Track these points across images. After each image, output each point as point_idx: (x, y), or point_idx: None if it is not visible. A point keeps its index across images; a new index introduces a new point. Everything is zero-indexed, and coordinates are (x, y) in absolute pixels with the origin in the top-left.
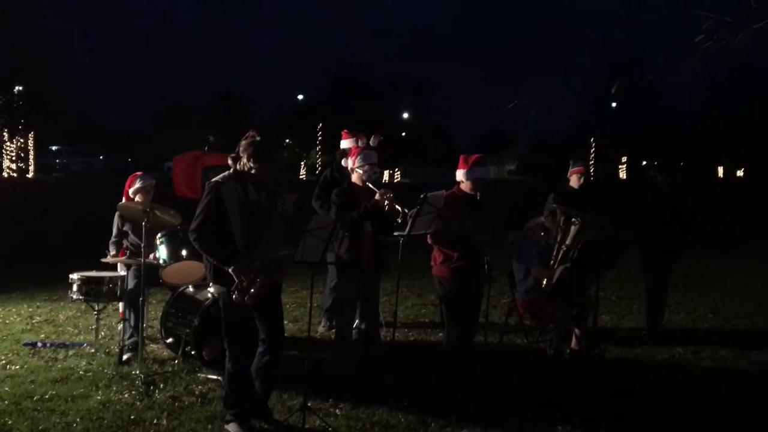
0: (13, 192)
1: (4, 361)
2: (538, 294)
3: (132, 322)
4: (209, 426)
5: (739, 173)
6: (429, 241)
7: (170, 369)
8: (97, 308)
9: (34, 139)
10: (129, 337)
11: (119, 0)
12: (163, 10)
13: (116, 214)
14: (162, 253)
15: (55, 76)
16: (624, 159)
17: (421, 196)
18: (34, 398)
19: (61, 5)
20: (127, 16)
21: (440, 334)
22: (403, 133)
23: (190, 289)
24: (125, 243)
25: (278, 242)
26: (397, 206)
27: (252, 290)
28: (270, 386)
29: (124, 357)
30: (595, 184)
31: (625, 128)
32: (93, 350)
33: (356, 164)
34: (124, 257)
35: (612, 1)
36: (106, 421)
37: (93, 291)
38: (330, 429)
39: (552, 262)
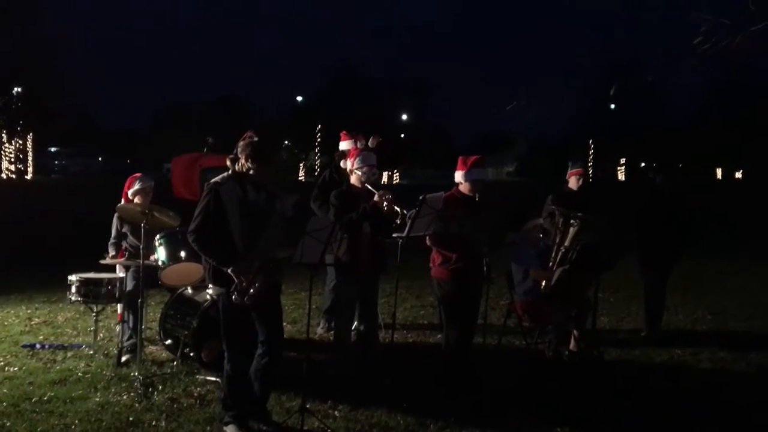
0: (12, 193)
1: (2, 363)
2: (536, 295)
3: (131, 324)
4: (208, 428)
5: (738, 174)
6: (428, 242)
7: (169, 371)
8: (95, 310)
9: (33, 141)
10: (128, 339)
11: (119, 0)
12: (163, 10)
13: (115, 216)
14: (161, 254)
15: (54, 77)
16: (623, 160)
17: (420, 197)
18: (33, 400)
19: (61, 5)
20: (126, 16)
21: (439, 336)
22: (402, 135)
23: (189, 290)
24: (124, 244)
25: (277, 242)
26: (395, 208)
27: (251, 291)
28: (269, 388)
29: (123, 358)
30: (593, 186)
31: (623, 129)
32: (92, 352)
33: (355, 166)
34: (122, 259)
35: (612, 1)
36: (104, 423)
37: (92, 292)
38: (329, 430)
39: (551, 263)
